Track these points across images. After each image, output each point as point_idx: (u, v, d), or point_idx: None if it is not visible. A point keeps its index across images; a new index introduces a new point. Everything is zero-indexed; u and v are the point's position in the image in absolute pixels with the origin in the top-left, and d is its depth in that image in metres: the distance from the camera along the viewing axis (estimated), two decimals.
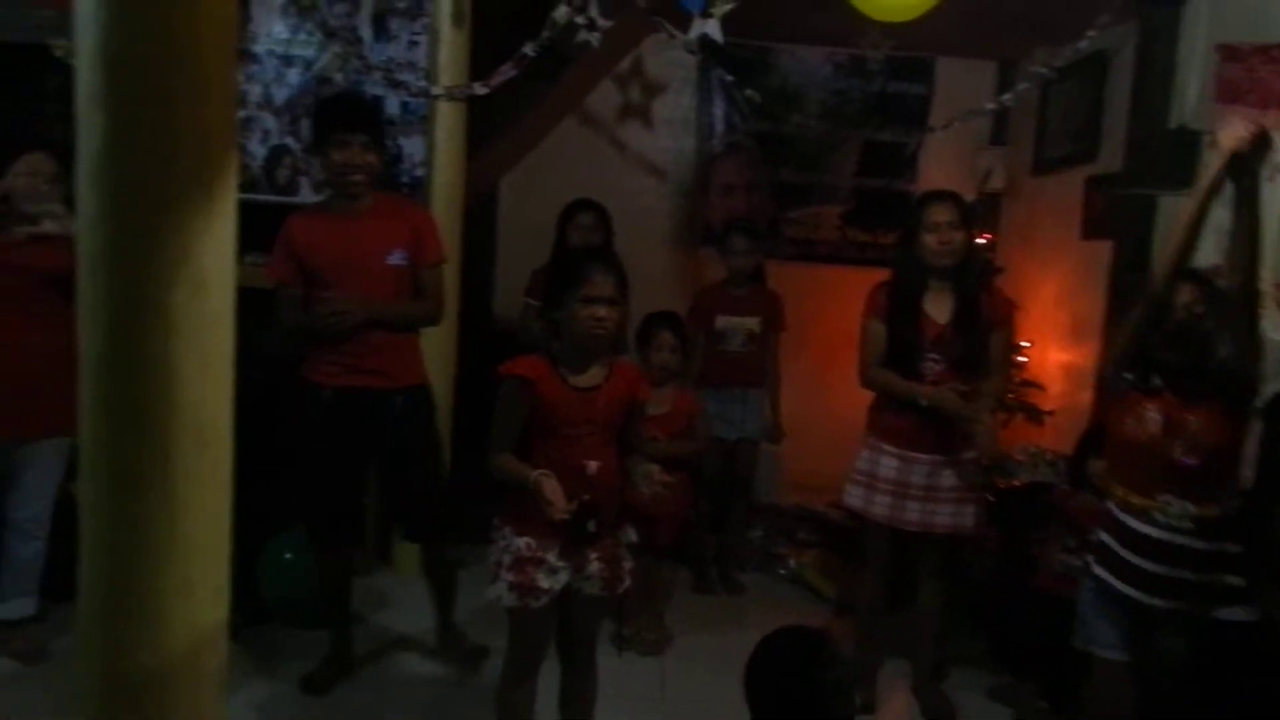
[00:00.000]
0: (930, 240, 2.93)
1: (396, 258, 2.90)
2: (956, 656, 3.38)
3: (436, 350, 3.44)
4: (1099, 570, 2.50)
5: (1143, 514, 2.40)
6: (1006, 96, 3.61)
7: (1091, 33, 3.19)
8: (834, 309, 4.78)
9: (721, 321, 3.97)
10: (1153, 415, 2.40)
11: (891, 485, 3.01)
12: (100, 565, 1.68)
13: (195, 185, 1.55)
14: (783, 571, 4.25)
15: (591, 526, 2.30)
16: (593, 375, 2.34)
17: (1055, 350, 4.33)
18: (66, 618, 3.08)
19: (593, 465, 2.31)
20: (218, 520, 1.71)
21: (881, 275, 3.12)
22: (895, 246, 3.19)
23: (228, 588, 1.76)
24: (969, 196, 3.89)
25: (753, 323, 4.00)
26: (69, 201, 2.97)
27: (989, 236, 4.72)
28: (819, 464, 4.32)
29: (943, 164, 4.93)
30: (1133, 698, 2.50)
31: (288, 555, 3.34)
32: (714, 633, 3.55)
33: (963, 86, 4.87)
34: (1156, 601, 2.39)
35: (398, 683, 3.17)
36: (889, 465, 3.02)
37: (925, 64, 4.95)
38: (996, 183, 4.92)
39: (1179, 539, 2.36)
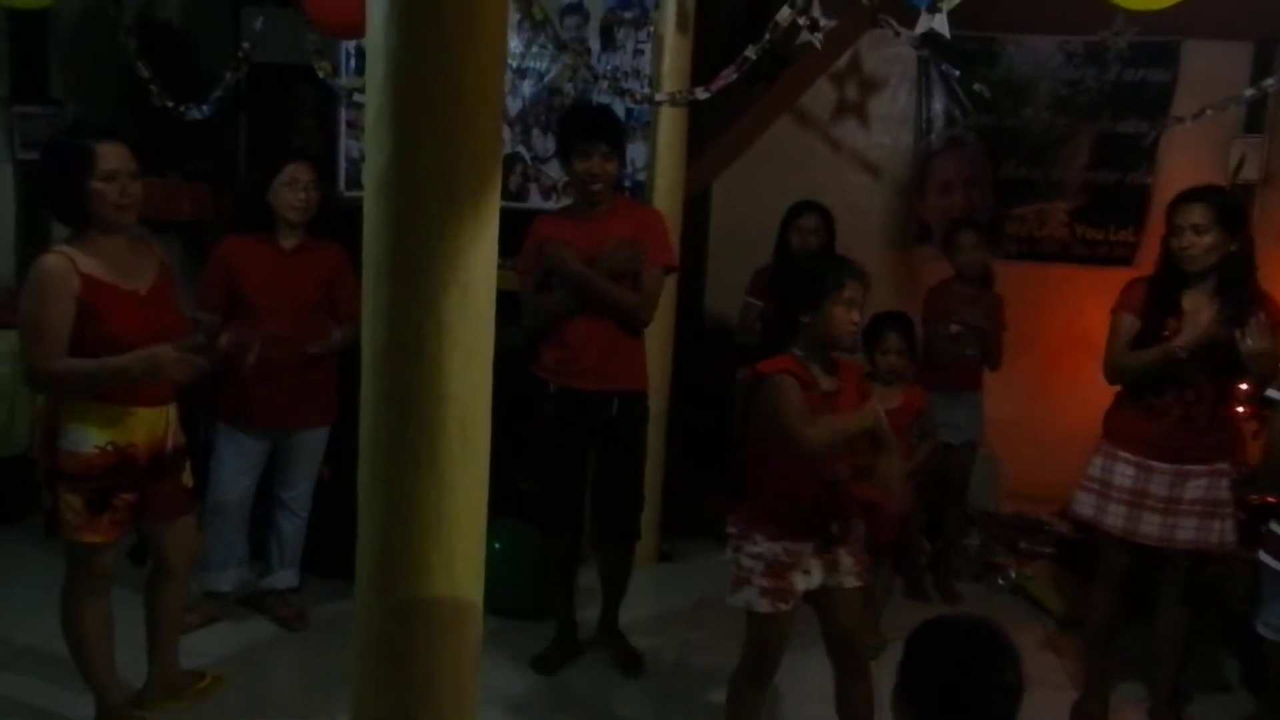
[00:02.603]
0: (1173, 243, 2.80)
1: None
2: (1204, 683, 3.17)
3: (655, 350, 3.51)
4: None
5: None
6: (1269, 81, 3.33)
7: None
8: (1060, 310, 4.57)
9: (957, 327, 3.84)
10: None
11: (1128, 495, 2.86)
12: (376, 538, 1.85)
13: (467, 198, 1.68)
14: (1002, 582, 4.10)
15: (835, 529, 2.34)
16: (832, 379, 2.37)
17: None
18: (322, 589, 3.43)
19: (840, 468, 2.34)
20: (477, 502, 1.85)
21: (1115, 275, 2.96)
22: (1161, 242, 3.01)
23: (484, 564, 1.90)
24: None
25: (983, 324, 3.86)
26: (325, 207, 3.27)
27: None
28: (1039, 472, 4.15)
29: (1187, 155, 4.59)
30: None
31: (496, 545, 3.45)
32: None
33: (1212, 71, 4.52)
34: None
35: (620, 667, 3.26)
36: (1125, 473, 2.87)
37: (1169, 48, 4.63)
38: (1251, 174, 4.54)
39: None
